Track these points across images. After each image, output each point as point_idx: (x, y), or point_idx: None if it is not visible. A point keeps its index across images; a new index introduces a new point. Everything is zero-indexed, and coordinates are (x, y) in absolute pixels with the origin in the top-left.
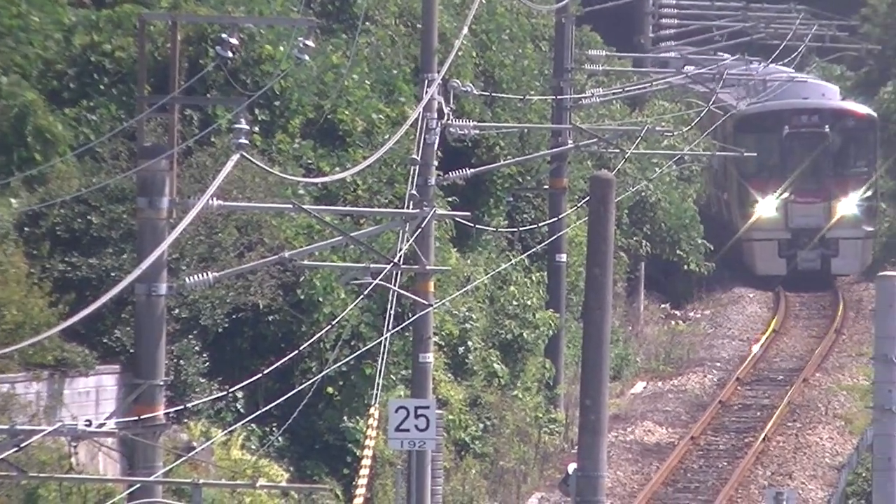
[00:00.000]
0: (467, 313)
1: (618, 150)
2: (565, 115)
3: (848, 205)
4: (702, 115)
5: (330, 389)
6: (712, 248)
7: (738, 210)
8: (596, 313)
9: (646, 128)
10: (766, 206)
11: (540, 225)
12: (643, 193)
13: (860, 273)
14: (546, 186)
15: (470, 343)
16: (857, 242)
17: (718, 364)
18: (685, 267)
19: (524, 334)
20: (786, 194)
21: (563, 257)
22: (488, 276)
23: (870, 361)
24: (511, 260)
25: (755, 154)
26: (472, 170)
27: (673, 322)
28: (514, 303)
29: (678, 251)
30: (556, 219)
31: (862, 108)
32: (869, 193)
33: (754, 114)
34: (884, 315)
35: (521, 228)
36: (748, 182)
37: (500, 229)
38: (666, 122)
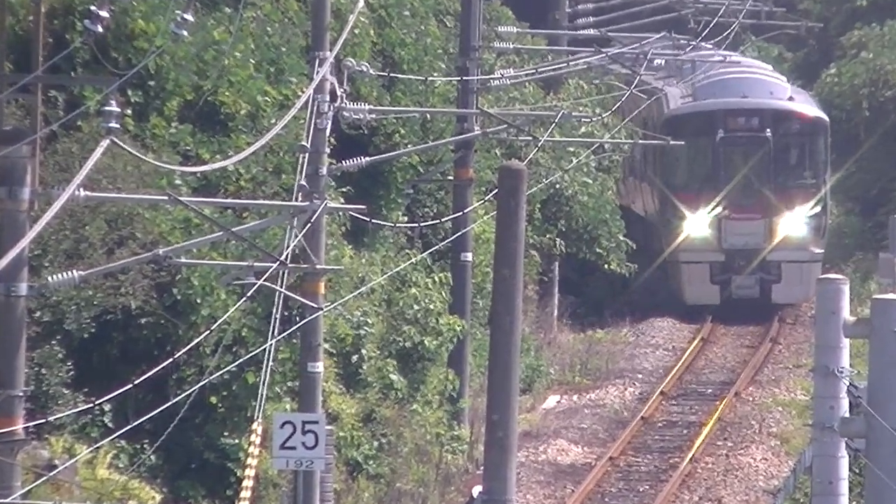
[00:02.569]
0: (362, 318)
1: (530, 138)
2: (472, 99)
3: (792, 222)
4: (623, 99)
5: (213, 399)
6: (634, 247)
7: (663, 227)
8: (504, 319)
9: (561, 113)
10: (696, 224)
11: (443, 220)
12: (558, 185)
13: (806, 302)
14: (450, 178)
15: (364, 351)
16: (803, 266)
17: (640, 376)
18: (605, 267)
19: (425, 342)
20: (719, 209)
21: (469, 256)
22: (385, 276)
23: (808, 374)
24: (411, 259)
25: (684, 157)
26: (368, 159)
27: (590, 329)
28: (415, 307)
29: (597, 249)
30: (460, 213)
31: (810, 110)
32: (817, 209)
33: (684, 115)
34: (824, 322)
35: (422, 224)
36: (675, 194)
37: (399, 225)
38: (583, 107)
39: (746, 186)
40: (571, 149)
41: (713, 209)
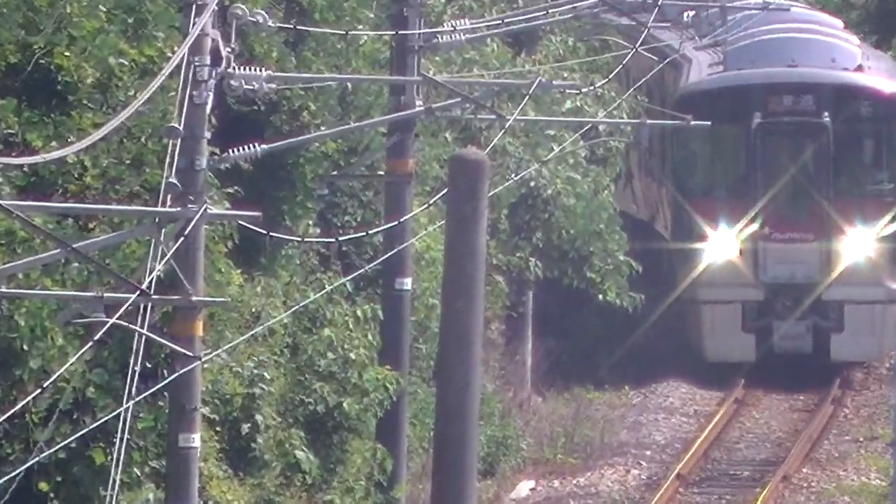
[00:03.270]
0: (256, 371)
1: (493, 117)
2: (411, 62)
3: (861, 245)
4: (625, 61)
5: (44, 486)
6: (639, 270)
7: (676, 250)
8: (457, 371)
9: (537, 81)
10: (723, 246)
11: (371, 232)
12: (533, 183)
13: (878, 358)
14: (381, 173)
15: (260, 417)
16: (876, 309)
17: (649, 453)
18: (599, 298)
19: (344, 404)
20: (755, 226)
21: (407, 283)
22: (290, 312)
23: (886, 449)
24: (325, 287)
25: (707, 150)
26: (265, 146)
27: (578, 387)
28: (330, 354)
29: (588, 273)
30: (395, 223)
31: (887, 84)
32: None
33: (706, 91)
34: None
35: (341, 238)
36: (693, 204)
37: (309, 239)
38: (569, 74)
39: (795, 194)
40: (552, 131)
41: (747, 226)
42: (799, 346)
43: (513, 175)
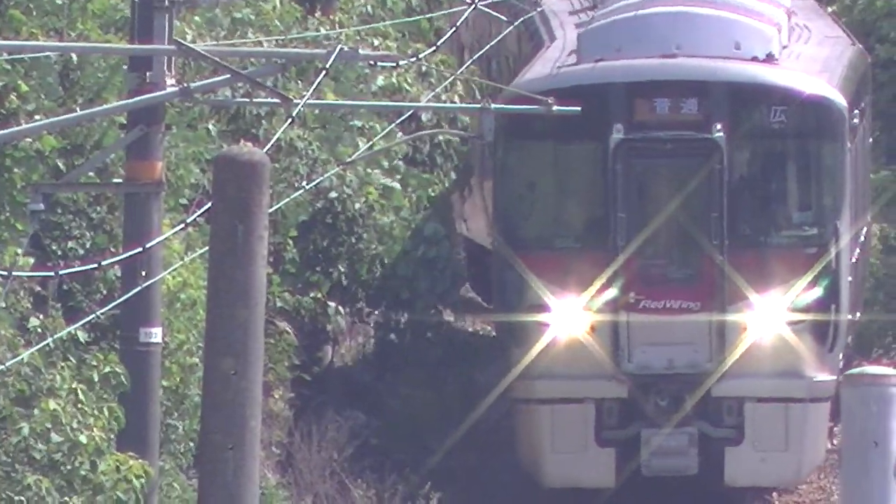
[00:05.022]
0: None
1: (276, 100)
2: (160, 24)
3: (768, 318)
4: (459, 22)
5: None
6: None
7: (501, 325)
8: (227, 456)
9: (337, 50)
10: (567, 320)
11: (104, 263)
12: (334, 194)
13: (796, 482)
14: (118, 180)
15: None
16: (790, 411)
17: None
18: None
19: (72, 503)
20: (615, 291)
21: (156, 333)
22: None
23: None
24: (46, 339)
25: (547, 178)
26: None
27: (398, 478)
28: (54, 437)
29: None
30: (138, 250)
31: (811, 84)
32: (821, 289)
33: (541, 94)
34: (855, 484)
35: (62, 271)
36: (522, 256)
37: (19, 273)
38: (382, 41)
39: (673, 244)
40: (358, 122)
41: (603, 290)
42: (679, 464)
43: (304, 182)
